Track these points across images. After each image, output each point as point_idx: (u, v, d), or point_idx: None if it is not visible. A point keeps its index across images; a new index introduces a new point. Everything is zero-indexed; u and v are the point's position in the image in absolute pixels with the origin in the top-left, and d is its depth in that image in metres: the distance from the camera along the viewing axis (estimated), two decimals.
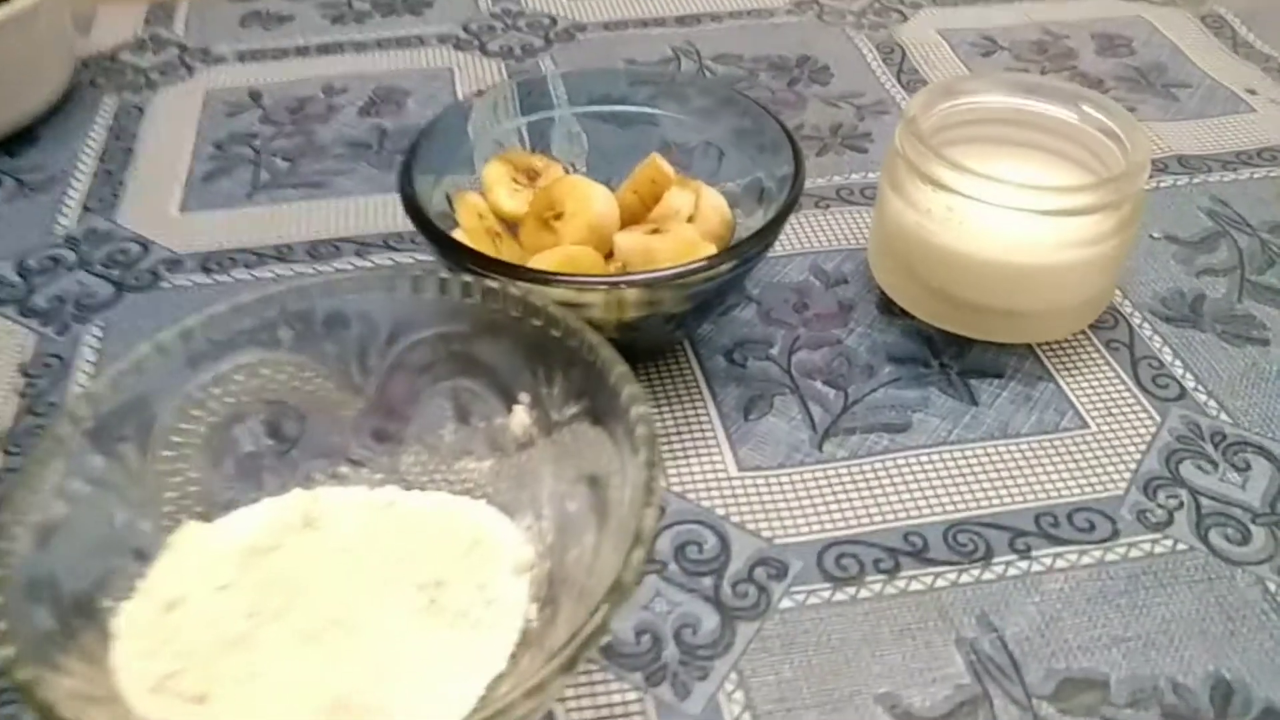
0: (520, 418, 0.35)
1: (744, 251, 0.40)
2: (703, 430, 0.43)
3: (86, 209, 0.55)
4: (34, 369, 0.46)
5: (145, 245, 0.52)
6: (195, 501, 0.34)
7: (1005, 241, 0.42)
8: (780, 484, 0.41)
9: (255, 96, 0.63)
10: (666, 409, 0.43)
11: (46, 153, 0.59)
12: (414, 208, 0.41)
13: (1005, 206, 0.41)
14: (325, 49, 0.67)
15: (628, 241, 0.42)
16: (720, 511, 0.40)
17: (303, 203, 0.55)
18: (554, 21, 0.69)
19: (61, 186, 0.56)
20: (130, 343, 0.40)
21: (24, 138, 0.59)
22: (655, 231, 0.43)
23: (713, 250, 0.42)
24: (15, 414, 0.43)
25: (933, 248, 0.43)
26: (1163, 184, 0.55)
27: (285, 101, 0.62)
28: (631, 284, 0.38)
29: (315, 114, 0.61)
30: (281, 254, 0.52)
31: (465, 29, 0.69)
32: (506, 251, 0.45)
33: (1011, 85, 0.48)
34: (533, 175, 0.47)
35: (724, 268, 0.40)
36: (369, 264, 0.51)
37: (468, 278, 0.35)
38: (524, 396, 0.35)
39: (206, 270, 0.51)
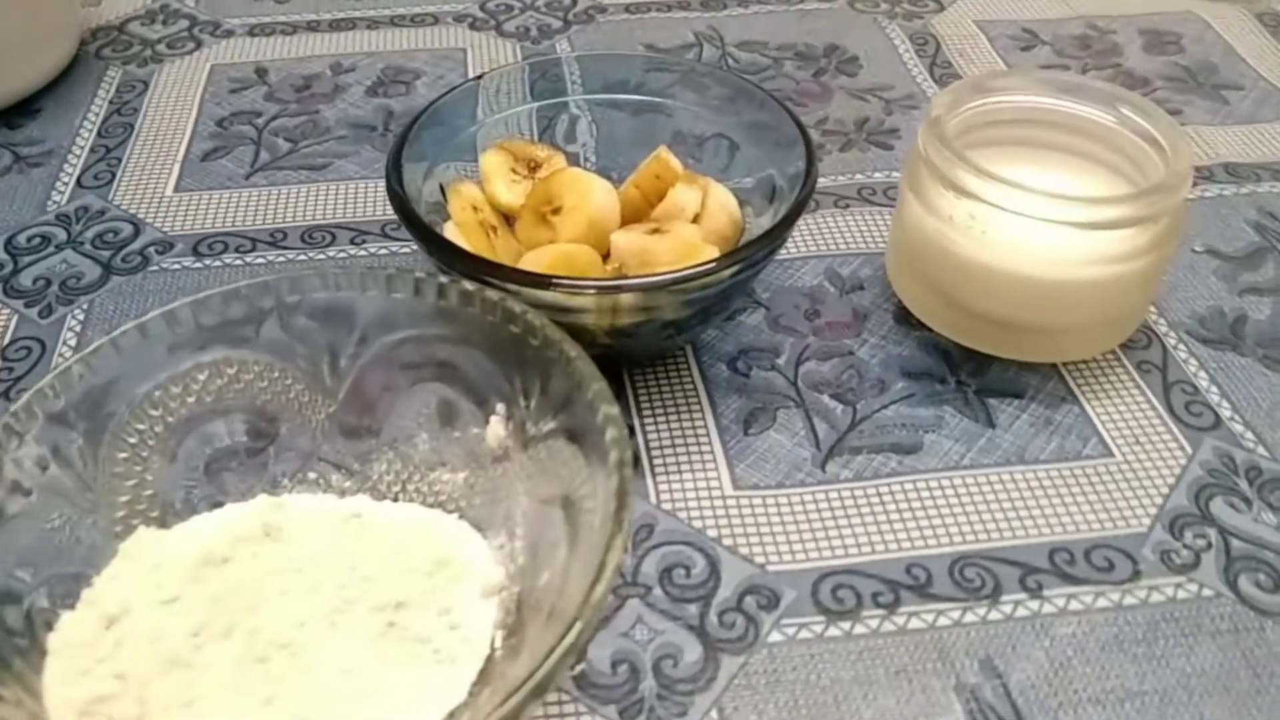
0: (496, 430, 0.33)
1: (747, 256, 0.37)
2: (699, 444, 0.40)
3: (81, 186, 0.53)
4: (11, 353, 0.44)
5: (137, 226, 0.51)
6: (151, 506, 0.32)
7: (1030, 254, 0.39)
8: (778, 505, 0.38)
9: (261, 73, 0.61)
10: (662, 419, 0.41)
11: (46, 126, 0.57)
12: (398, 198, 0.39)
13: (1031, 216, 0.38)
14: (337, 24, 0.65)
15: (624, 241, 0.40)
16: (712, 533, 0.37)
17: (301, 185, 0.53)
18: (574, 2, 0.67)
19: (59, 161, 0.55)
20: (110, 328, 0.38)
21: (25, 110, 0.58)
22: (655, 231, 0.40)
23: (715, 253, 0.39)
24: None
25: (952, 257, 0.41)
26: (1207, 193, 0.52)
27: (291, 79, 0.60)
28: (620, 289, 0.36)
29: (321, 93, 0.59)
30: (275, 239, 0.50)
31: (482, 8, 0.66)
32: (501, 246, 0.42)
33: (1045, 83, 0.45)
34: (534, 166, 0.45)
35: (725, 273, 0.37)
36: (364, 253, 0.49)
37: (444, 278, 0.32)
38: (500, 408, 0.33)
39: (197, 254, 0.49)
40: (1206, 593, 0.36)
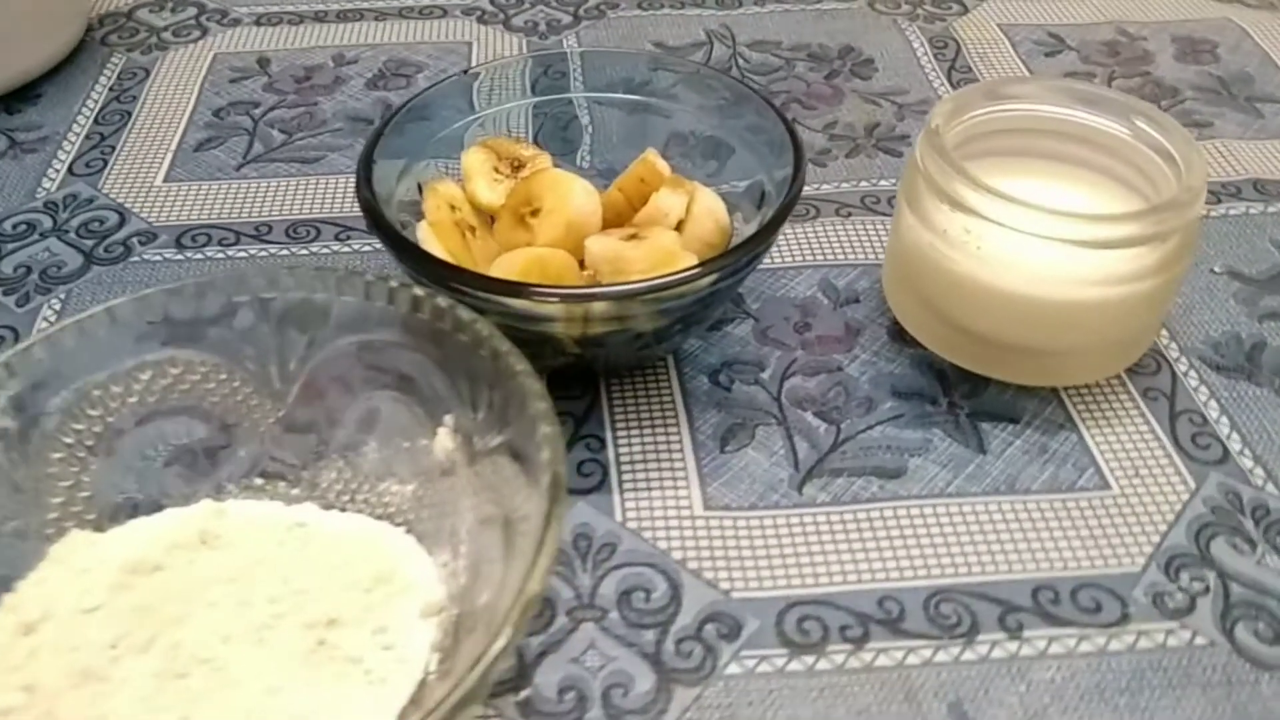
0: (444, 442, 0.32)
1: (724, 265, 0.36)
2: (671, 460, 0.38)
3: (73, 173, 0.52)
4: None
5: (123, 215, 0.50)
6: (87, 508, 0.31)
7: (1027, 272, 0.37)
8: (749, 528, 0.36)
9: (263, 63, 0.60)
10: (635, 432, 0.39)
11: (45, 111, 0.57)
12: (363, 193, 0.37)
13: (1028, 233, 0.36)
14: (343, 15, 0.64)
15: (598, 247, 0.38)
16: (677, 555, 0.36)
17: (292, 179, 0.52)
18: None
19: (53, 148, 0.54)
20: None
21: (26, 95, 0.58)
22: (633, 237, 0.39)
23: (692, 261, 0.38)
24: None
25: (945, 273, 0.38)
26: (1232, 210, 0.49)
27: (293, 70, 0.59)
28: (586, 298, 0.34)
29: (321, 84, 0.58)
30: (260, 233, 0.49)
31: (492, 1, 0.65)
32: (479, 248, 0.41)
33: (1058, 92, 0.42)
34: (517, 165, 0.43)
35: (701, 283, 0.36)
36: (348, 249, 0.48)
37: (393, 282, 0.31)
38: (449, 419, 0.31)
39: (180, 246, 0.48)
40: (1200, 641, 0.33)
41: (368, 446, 0.33)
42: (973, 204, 0.37)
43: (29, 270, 0.47)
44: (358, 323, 0.32)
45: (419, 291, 0.31)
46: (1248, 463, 0.38)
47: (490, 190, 0.42)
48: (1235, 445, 0.39)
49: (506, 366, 0.29)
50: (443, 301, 0.30)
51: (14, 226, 0.49)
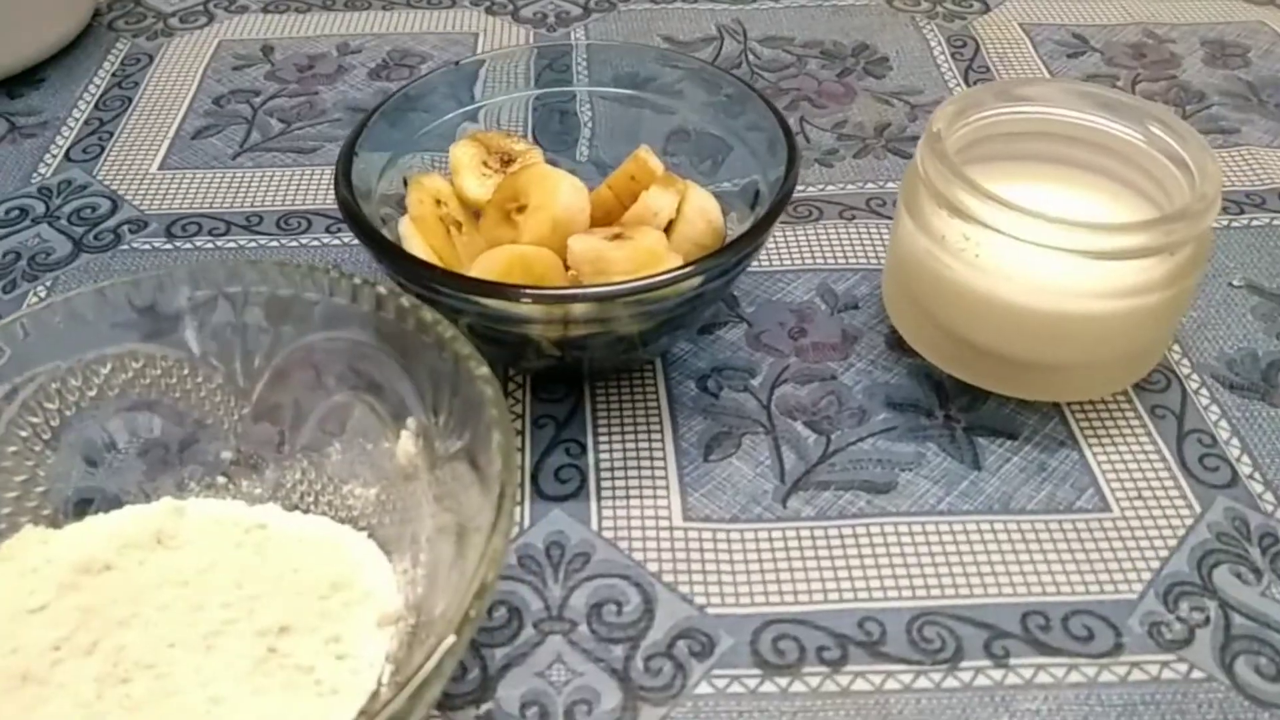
0: (406, 445, 0.31)
1: (708, 268, 0.34)
2: (653, 468, 0.37)
3: (69, 159, 0.52)
4: None
5: (115, 202, 0.49)
6: (42, 504, 0.31)
7: (1027, 282, 0.35)
8: (728, 542, 0.35)
9: (267, 51, 0.59)
10: (617, 438, 0.38)
11: (47, 96, 0.56)
12: (341, 191, 0.36)
13: (1029, 241, 0.35)
14: (351, 4, 0.63)
15: (580, 247, 0.37)
16: (653, 567, 0.34)
17: (287, 169, 0.51)
18: None
19: (51, 133, 0.54)
20: None
21: (29, 79, 0.57)
22: (617, 237, 0.37)
23: (677, 262, 0.36)
24: None
25: (942, 281, 0.37)
26: (1255, 221, 0.47)
27: (296, 59, 0.59)
28: (559, 299, 0.33)
29: (323, 74, 0.57)
30: (250, 223, 0.48)
31: None
32: (465, 244, 0.40)
33: (1069, 94, 0.40)
34: (507, 160, 0.42)
35: (685, 285, 0.34)
36: (338, 241, 0.47)
37: (357, 280, 0.30)
38: (411, 422, 0.30)
39: (170, 235, 0.47)
40: (1197, 674, 0.32)
41: (332, 447, 0.32)
42: (971, 210, 0.35)
43: (18, 256, 0.46)
44: (323, 320, 0.31)
45: (382, 290, 0.30)
46: (1257, 487, 0.37)
47: (479, 185, 0.41)
48: (1245, 468, 0.37)
49: (466, 371, 0.27)
50: (406, 301, 0.29)
51: (6, 212, 0.49)
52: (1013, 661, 0.32)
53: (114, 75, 0.58)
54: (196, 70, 0.58)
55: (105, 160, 0.52)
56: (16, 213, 0.49)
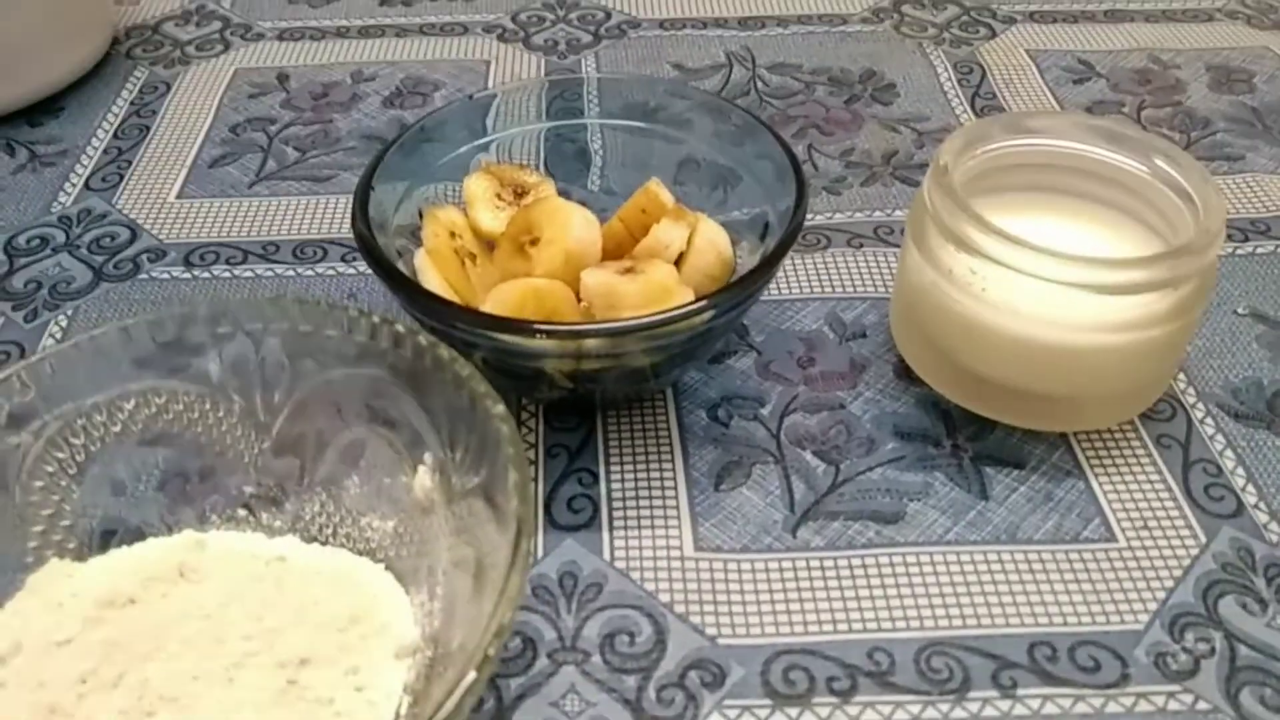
0: (423, 480, 0.31)
1: (719, 303, 0.35)
2: (664, 498, 0.38)
3: (89, 188, 0.53)
4: None
5: (135, 231, 0.50)
6: (67, 537, 0.31)
7: (1033, 316, 0.36)
8: (739, 572, 0.36)
9: (283, 79, 0.60)
10: (629, 468, 0.39)
11: (66, 125, 0.57)
12: (359, 226, 0.37)
13: (1035, 276, 0.35)
14: (365, 31, 0.64)
15: (593, 281, 0.37)
16: (664, 598, 0.35)
17: (303, 197, 0.52)
18: (608, 15, 0.65)
19: (71, 162, 0.54)
20: None
21: (49, 108, 0.58)
22: (628, 271, 0.38)
23: (688, 296, 0.37)
24: None
25: (949, 313, 0.37)
26: (1260, 249, 0.48)
27: (311, 87, 0.59)
28: (574, 335, 0.33)
29: (338, 101, 0.58)
30: (267, 252, 0.49)
31: (514, 19, 0.65)
32: (479, 276, 0.41)
33: (1077, 126, 0.41)
34: (520, 192, 0.43)
35: (696, 320, 0.35)
36: (353, 271, 0.48)
37: (375, 318, 0.31)
38: (428, 457, 0.31)
39: (188, 264, 0.48)
40: (1202, 705, 0.32)
41: (350, 481, 0.33)
42: (979, 244, 0.36)
43: (39, 285, 0.47)
44: (343, 357, 0.32)
45: (400, 328, 0.30)
46: (1263, 517, 0.37)
47: (493, 218, 0.42)
48: (1250, 498, 0.38)
49: (483, 409, 0.28)
50: (424, 339, 0.30)
51: (28, 241, 0.50)
52: (1020, 692, 0.32)
53: (132, 104, 0.59)
54: (213, 99, 0.59)
55: (124, 189, 0.53)
56: (38, 241, 0.50)
